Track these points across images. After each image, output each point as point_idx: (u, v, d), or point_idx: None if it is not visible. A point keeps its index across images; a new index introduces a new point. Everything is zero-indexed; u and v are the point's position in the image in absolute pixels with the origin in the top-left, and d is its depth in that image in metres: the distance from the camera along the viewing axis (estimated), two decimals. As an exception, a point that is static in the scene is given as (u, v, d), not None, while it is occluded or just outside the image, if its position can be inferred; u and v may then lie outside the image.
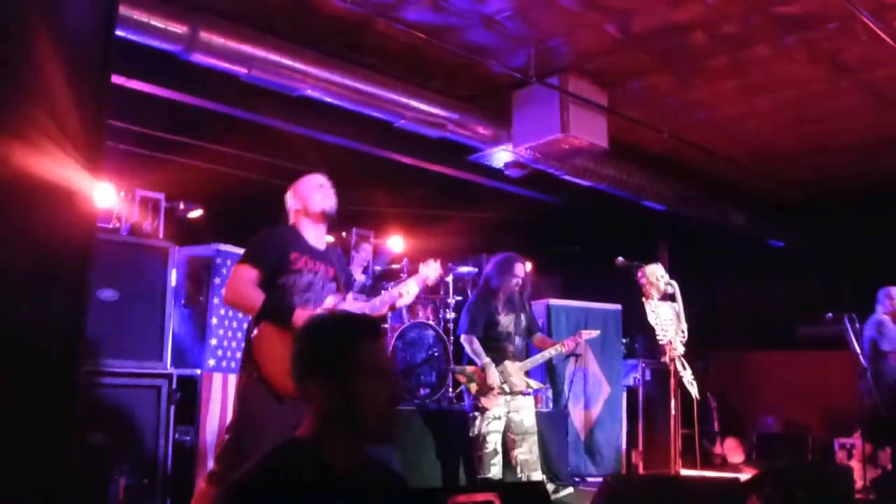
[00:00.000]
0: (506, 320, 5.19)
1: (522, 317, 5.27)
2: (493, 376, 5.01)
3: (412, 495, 2.03)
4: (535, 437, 5.14)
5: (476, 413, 5.06)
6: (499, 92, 5.90)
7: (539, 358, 5.28)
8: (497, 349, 5.11)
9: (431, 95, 5.66)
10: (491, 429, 5.01)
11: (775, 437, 6.92)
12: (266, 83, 5.04)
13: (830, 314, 5.79)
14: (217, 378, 4.88)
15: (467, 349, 5.12)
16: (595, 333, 5.38)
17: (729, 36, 5.18)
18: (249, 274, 3.45)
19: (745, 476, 5.51)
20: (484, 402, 5.04)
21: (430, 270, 3.90)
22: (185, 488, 4.42)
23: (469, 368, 5.13)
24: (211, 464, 3.99)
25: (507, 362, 5.09)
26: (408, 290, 3.79)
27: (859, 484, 5.40)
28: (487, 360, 5.02)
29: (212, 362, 5.04)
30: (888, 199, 8.18)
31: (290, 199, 3.73)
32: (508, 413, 5.08)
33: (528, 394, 5.18)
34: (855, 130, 6.86)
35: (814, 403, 7.02)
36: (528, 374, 5.21)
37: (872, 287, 6.52)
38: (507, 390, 5.05)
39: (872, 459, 5.60)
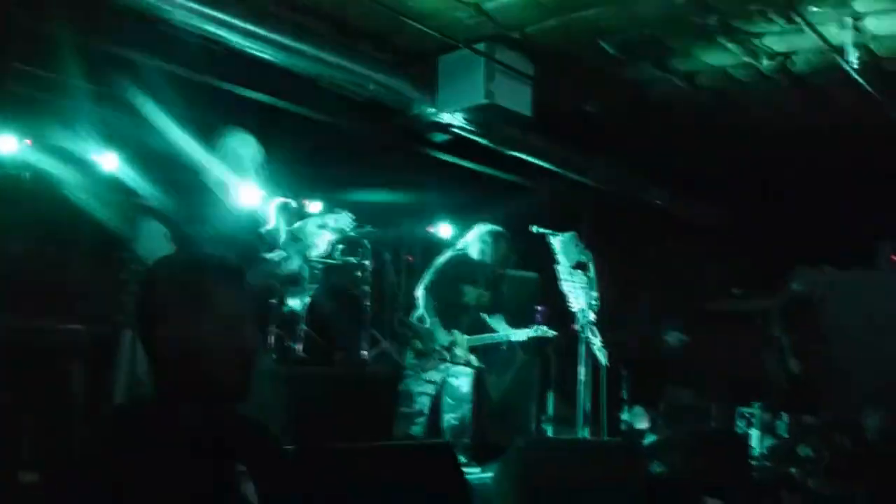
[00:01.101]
0: (469, 291, 5.15)
1: (488, 293, 5.22)
2: (437, 339, 4.97)
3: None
4: (470, 406, 5.11)
5: (410, 371, 5.02)
6: (426, 56, 5.84)
7: (489, 339, 5.21)
8: (452, 317, 5.06)
9: (357, 55, 5.55)
10: (423, 390, 4.98)
11: (681, 406, 7.14)
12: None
13: (739, 290, 6.00)
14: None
15: (421, 306, 5.06)
16: (551, 333, 5.35)
17: (651, 14, 5.22)
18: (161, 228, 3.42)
19: (648, 442, 5.70)
20: (422, 363, 5.00)
21: (342, 221, 3.90)
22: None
23: (416, 325, 5.08)
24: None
25: (456, 332, 5.05)
26: (320, 241, 3.80)
27: (756, 451, 5.65)
28: (436, 321, 4.98)
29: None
30: (797, 185, 8.46)
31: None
32: (446, 378, 5.05)
33: (467, 366, 5.13)
34: (777, 117, 7.01)
35: (721, 375, 7.26)
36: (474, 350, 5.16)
37: (780, 266, 6.78)
38: (448, 358, 5.02)
39: (770, 428, 5.85)
